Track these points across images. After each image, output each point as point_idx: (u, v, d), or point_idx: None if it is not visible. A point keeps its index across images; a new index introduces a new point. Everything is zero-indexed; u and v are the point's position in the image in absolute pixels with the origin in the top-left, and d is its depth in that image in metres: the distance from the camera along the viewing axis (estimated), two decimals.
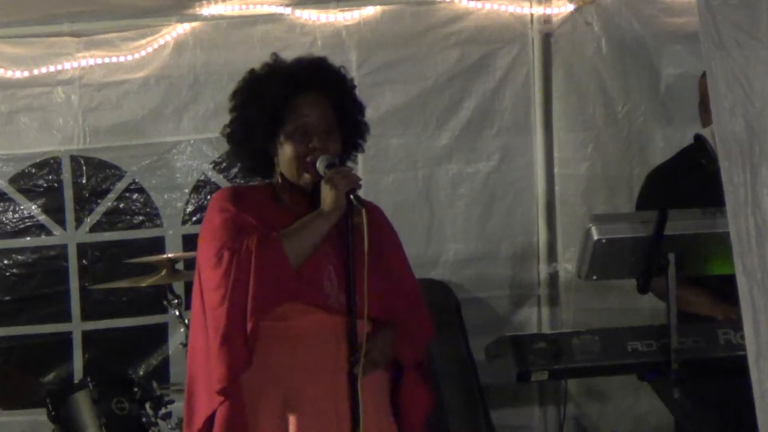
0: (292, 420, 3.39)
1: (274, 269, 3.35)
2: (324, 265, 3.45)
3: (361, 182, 3.44)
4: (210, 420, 3.42)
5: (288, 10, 5.67)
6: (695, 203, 3.99)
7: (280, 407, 3.40)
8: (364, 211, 3.34)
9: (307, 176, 3.49)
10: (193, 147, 5.81)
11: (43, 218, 5.82)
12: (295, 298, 3.41)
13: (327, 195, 3.39)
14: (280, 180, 3.57)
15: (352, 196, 3.37)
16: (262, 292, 3.34)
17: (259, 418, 3.40)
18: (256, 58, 3.67)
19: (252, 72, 3.59)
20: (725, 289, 3.49)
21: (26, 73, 5.67)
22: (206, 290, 3.44)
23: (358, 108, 3.63)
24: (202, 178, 5.85)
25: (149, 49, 5.70)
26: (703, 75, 4.23)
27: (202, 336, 3.46)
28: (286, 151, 3.50)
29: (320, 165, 3.45)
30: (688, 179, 4.45)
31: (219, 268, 3.37)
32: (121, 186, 5.84)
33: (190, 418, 3.51)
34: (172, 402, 4.85)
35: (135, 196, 5.86)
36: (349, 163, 3.60)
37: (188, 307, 4.91)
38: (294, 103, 3.50)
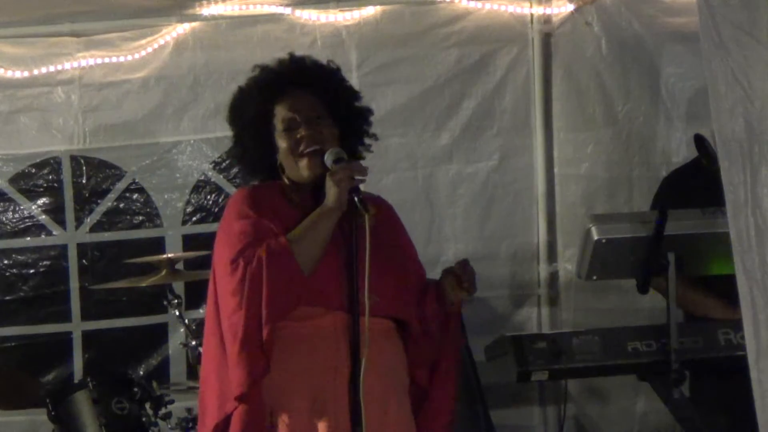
0: (321, 418, 3.41)
1: (286, 276, 3.38)
2: (339, 266, 3.45)
3: (365, 175, 3.45)
4: (225, 421, 3.43)
5: (288, 10, 5.67)
6: (709, 206, 3.97)
7: (308, 408, 3.42)
8: (367, 216, 3.36)
9: (303, 162, 3.52)
10: (193, 147, 5.81)
11: (43, 218, 5.81)
12: (309, 302, 3.43)
13: (330, 190, 3.42)
14: (286, 180, 3.61)
15: (356, 199, 3.39)
16: (275, 300, 3.36)
17: (287, 418, 3.41)
18: (256, 58, 3.69)
19: (239, 88, 3.68)
20: (726, 289, 3.48)
21: (26, 73, 5.66)
22: (222, 294, 3.47)
23: (350, 93, 3.68)
24: (202, 178, 5.84)
25: (149, 49, 5.69)
26: None
27: (215, 339, 3.49)
28: (281, 148, 3.57)
29: (328, 159, 3.48)
30: (707, 181, 4.42)
31: (235, 275, 3.40)
32: (121, 186, 5.84)
33: (202, 419, 3.54)
34: (172, 402, 4.85)
35: (135, 196, 5.85)
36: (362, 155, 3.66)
37: (188, 307, 4.96)
38: (277, 106, 3.58)
